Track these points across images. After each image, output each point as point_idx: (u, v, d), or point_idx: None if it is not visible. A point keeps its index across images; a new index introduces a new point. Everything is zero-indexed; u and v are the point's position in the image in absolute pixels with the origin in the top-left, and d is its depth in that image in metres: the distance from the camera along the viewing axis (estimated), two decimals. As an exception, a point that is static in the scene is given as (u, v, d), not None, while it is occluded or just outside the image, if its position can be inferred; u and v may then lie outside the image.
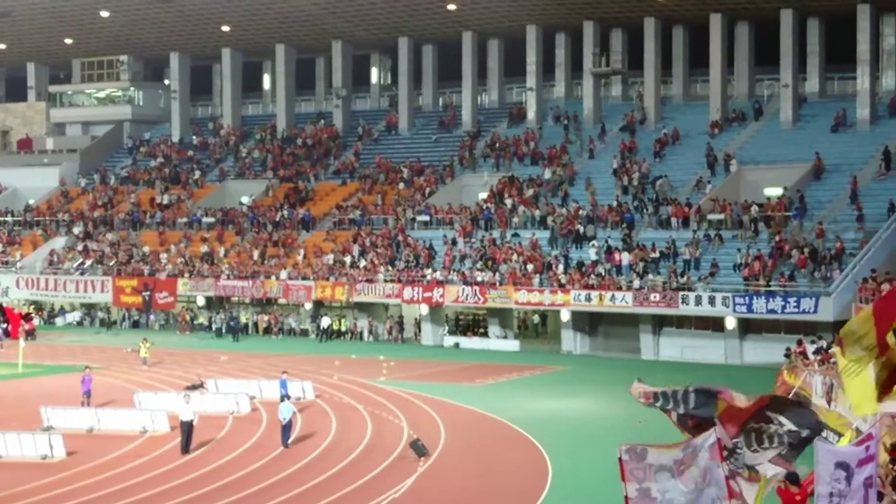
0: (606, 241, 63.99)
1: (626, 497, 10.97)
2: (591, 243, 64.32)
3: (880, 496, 15.29)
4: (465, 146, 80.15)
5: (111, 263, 78.26)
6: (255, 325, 72.71)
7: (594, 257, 63.17)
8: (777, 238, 59.15)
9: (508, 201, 70.80)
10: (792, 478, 15.93)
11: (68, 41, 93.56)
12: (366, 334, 69.15)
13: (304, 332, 70.88)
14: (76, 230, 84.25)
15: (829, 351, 36.83)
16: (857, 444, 12.04)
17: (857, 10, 68.58)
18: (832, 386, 31.40)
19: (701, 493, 11.20)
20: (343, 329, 69.52)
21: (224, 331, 70.86)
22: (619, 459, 10.75)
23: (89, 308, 79.52)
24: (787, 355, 39.73)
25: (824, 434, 32.51)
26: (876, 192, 61.18)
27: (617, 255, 62.31)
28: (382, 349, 63.13)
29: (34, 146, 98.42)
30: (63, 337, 70.47)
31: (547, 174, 72.60)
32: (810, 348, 38.96)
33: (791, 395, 36.26)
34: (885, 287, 45.95)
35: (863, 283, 50.25)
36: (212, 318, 73.19)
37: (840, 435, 28.34)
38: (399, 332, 68.47)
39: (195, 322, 74.31)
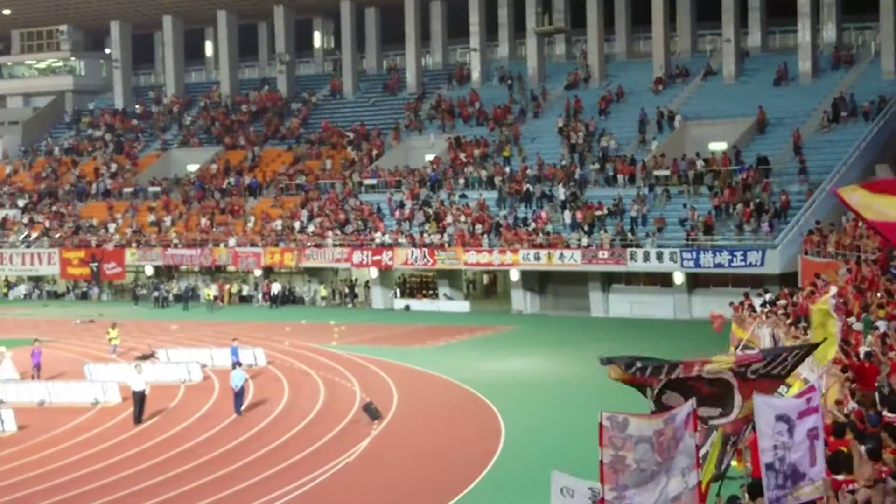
0: (546, 199, 64.35)
1: (601, 461, 11.08)
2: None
3: (835, 445, 15.50)
4: (410, 108, 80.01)
5: (57, 236, 77.67)
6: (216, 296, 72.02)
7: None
8: (724, 192, 59.43)
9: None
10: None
11: (6, 12, 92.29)
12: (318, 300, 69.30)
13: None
14: (20, 203, 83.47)
15: (777, 303, 37.21)
16: (798, 397, 12.17)
17: (797, -37, 68.96)
18: (779, 338, 31.72)
19: (672, 462, 11.29)
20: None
21: (170, 300, 70.63)
22: (600, 425, 10.84)
23: (36, 281, 78.98)
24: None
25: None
26: (819, 145, 61.59)
27: (565, 214, 62.55)
28: (333, 314, 63.08)
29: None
30: (10, 311, 69.86)
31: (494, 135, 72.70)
32: (757, 301, 39.25)
33: (740, 347, 36.67)
34: (832, 238, 46.40)
35: (808, 235, 50.61)
36: (155, 288, 72.53)
37: (788, 386, 28.70)
38: (350, 297, 68.54)
39: (142, 292, 74.03)
